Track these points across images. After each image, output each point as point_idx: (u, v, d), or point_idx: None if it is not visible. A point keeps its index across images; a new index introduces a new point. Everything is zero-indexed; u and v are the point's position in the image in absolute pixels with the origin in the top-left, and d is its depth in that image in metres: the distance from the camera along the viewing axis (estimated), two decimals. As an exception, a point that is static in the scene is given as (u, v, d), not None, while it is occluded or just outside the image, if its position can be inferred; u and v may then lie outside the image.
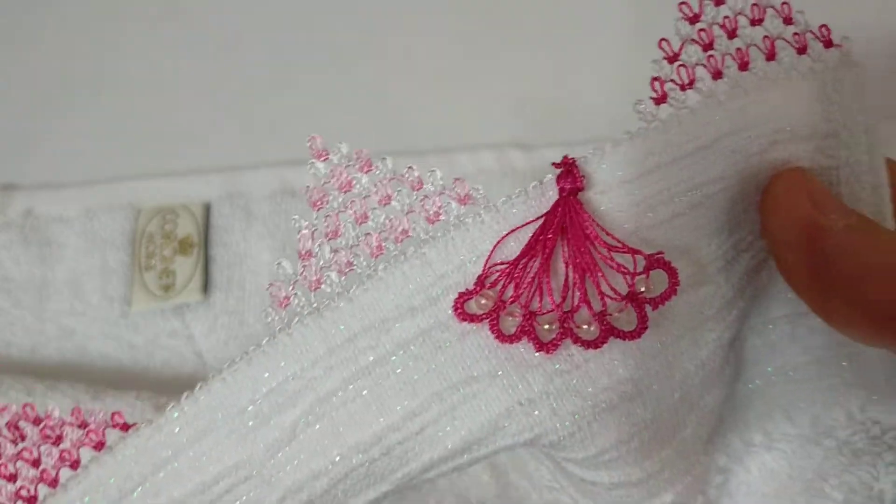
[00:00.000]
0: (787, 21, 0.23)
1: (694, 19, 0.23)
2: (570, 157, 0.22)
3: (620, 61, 0.43)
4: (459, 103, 0.43)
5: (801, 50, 0.23)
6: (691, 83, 0.22)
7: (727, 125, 0.22)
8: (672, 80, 0.22)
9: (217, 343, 0.39)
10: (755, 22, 0.23)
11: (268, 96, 0.44)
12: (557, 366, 0.21)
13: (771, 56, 0.23)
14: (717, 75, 0.22)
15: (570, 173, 0.21)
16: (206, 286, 0.40)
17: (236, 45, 0.44)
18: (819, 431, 0.23)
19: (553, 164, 0.22)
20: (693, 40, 0.22)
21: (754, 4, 0.23)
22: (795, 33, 0.23)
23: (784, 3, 0.23)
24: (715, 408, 0.23)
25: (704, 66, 0.23)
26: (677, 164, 0.21)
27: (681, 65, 0.22)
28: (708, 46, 0.23)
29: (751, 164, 0.22)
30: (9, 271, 0.40)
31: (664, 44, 0.22)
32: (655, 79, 0.22)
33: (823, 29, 0.23)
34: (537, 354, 0.21)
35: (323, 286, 0.22)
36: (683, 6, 0.23)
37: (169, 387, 0.38)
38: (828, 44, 0.23)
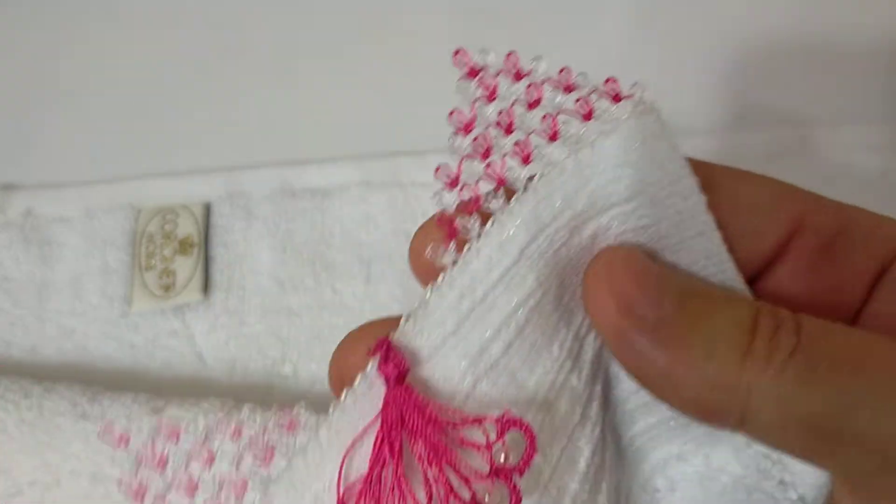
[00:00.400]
0: (568, 89, 0.21)
1: (468, 128, 0.21)
2: (383, 338, 0.20)
3: (620, 60, 0.43)
4: (459, 103, 0.43)
5: (587, 116, 0.21)
6: (477, 204, 0.20)
7: (523, 236, 0.20)
8: (458, 209, 0.20)
9: (217, 343, 0.39)
10: (532, 105, 0.21)
11: (268, 96, 0.44)
12: None
13: (553, 136, 0.21)
14: (501, 182, 0.20)
15: (388, 358, 0.20)
16: (206, 286, 0.40)
17: (236, 45, 0.44)
18: (713, 468, 0.23)
19: (368, 352, 0.20)
20: (469, 155, 0.20)
21: (529, 85, 0.21)
22: (577, 99, 0.21)
23: (563, 70, 0.21)
24: (613, 490, 0.22)
25: (487, 176, 0.21)
26: (490, 296, 0.20)
27: (463, 186, 0.20)
28: (486, 154, 0.20)
29: (560, 258, 0.21)
30: (9, 271, 0.40)
31: (439, 171, 0.20)
32: (440, 219, 0.20)
33: (609, 84, 0.21)
34: None
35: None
36: (455, 115, 0.20)
37: (169, 386, 0.38)
38: (616, 98, 0.20)
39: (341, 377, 0.22)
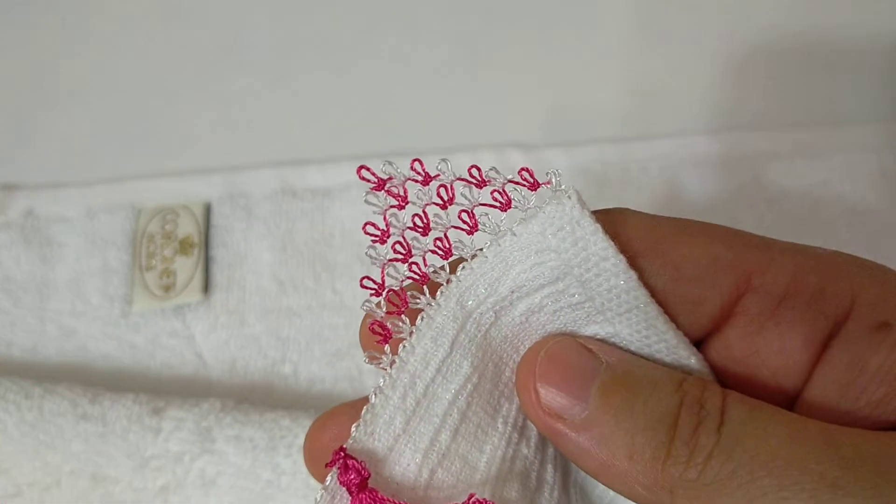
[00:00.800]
0: (481, 185, 0.21)
1: (382, 237, 0.22)
2: (338, 448, 0.20)
3: (621, 61, 0.43)
4: (459, 103, 0.44)
5: (505, 206, 0.21)
6: (405, 304, 0.21)
7: (452, 326, 0.21)
8: (389, 312, 0.21)
9: (217, 343, 0.39)
10: (445, 205, 0.22)
11: (268, 97, 0.44)
12: None
13: (473, 229, 0.21)
14: (425, 280, 0.22)
15: (347, 467, 0.20)
16: (206, 286, 0.40)
17: (237, 45, 0.44)
18: None
19: (326, 465, 0.20)
20: (391, 259, 0.21)
21: (440, 186, 0.22)
22: (493, 191, 0.21)
23: (472, 167, 0.21)
24: None
25: (411, 276, 0.22)
26: (430, 389, 0.21)
27: (389, 291, 0.21)
28: (407, 255, 0.22)
29: (492, 338, 0.22)
30: (9, 271, 0.40)
31: (365, 281, 0.21)
32: (372, 325, 0.21)
33: (524, 173, 0.21)
34: None
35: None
36: (368, 227, 0.21)
37: (169, 386, 0.38)
38: (533, 186, 0.21)
39: (313, 459, 0.23)
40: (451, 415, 0.21)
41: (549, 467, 0.22)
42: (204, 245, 0.40)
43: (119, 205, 0.42)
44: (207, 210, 0.41)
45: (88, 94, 0.45)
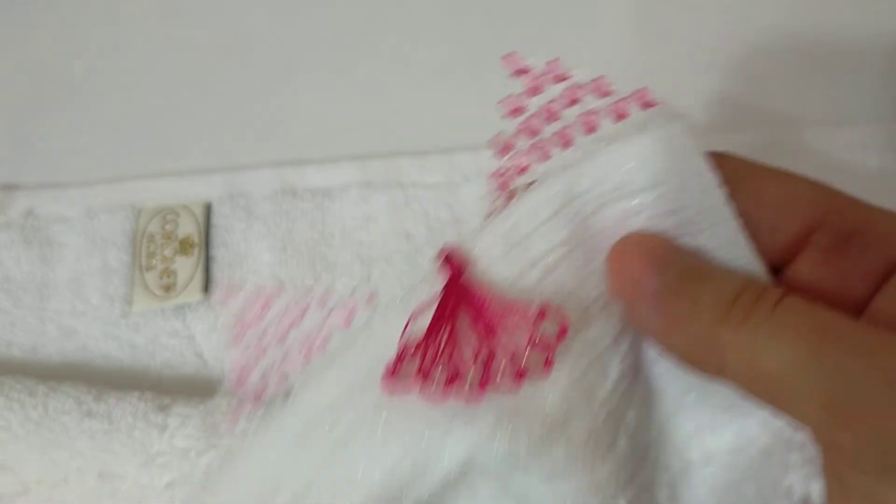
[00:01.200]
0: (604, 94, 0.25)
1: (515, 112, 0.25)
2: (447, 247, 0.25)
3: (620, 61, 0.43)
4: (461, 103, 0.44)
5: (621, 116, 0.25)
6: (525, 168, 0.25)
7: (559, 200, 0.25)
8: (508, 169, 0.25)
9: (218, 343, 0.39)
10: (573, 102, 0.25)
11: (269, 96, 0.44)
12: (488, 414, 0.23)
13: (591, 129, 0.25)
14: (544, 159, 0.25)
15: (451, 257, 0.25)
16: (206, 286, 0.40)
17: (238, 44, 0.44)
18: (743, 439, 0.25)
19: (436, 258, 0.25)
20: (519, 131, 0.25)
21: (569, 87, 0.25)
22: (613, 102, 0.25)
23: (597, 80, 0.25)
24: (640, 424, 0.25)
25: (534, 151, 0.25)
26: (530, 237, 0.24)
27: (514, 154, 0.25)
28: (534, 133, 0.25)
29: (590, 227, 0.25)
30: (9, 271, 0.40)
31: (495, 139, 0.25)
32: (493, 174, 0.25)
33: (641, 92, 0.25)
34: (466, 407, 0.23)
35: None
36: (505, 102, 0.25)
37: (170, 386, 0.38)
38: (646, 105, 0.24)
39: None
40: (538, 265, 0.24)
41: (626, 344, 0.25)
42: (204, 245, 0.40)
43: (119, 205, 0.42)
44: (208, 210, 0.41)
45: (89, 95, 0.45)
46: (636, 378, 0.25)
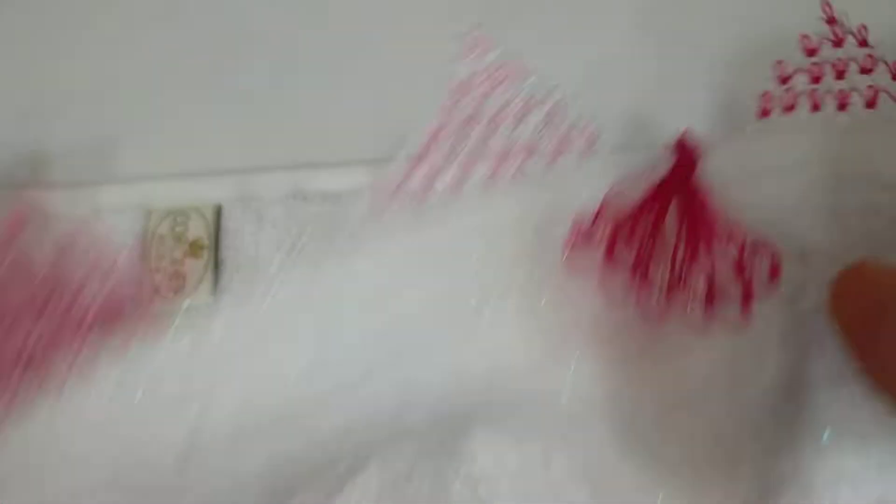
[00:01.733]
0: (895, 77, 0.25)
1: (811, 52, 0.26)
2: (686, 135, 0.23)
3: (622, 61, 0.43)
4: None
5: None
6: (792, 107, 0.25)
7: (807, 148, 0.24)
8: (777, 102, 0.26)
9: (226, 346, 0.38)
10: (865, 70, 0.25)
11: (280, 99, 0.44)
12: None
13: (871, 104, 0.25)
14: (814, 108, 0.25)
15: (686, 146, 0.23)
16: (216, 289, 0.39)
17: (249, 46, 0.44)
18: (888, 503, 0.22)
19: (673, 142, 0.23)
20: (805, 70, 0.26)
21: (869, 55, 0.25)
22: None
23: (861, 27, 0.26)
24: (776, 448, 0.22)
25: (807, 95, 0.26)
26: (773, 177, 0.24)
27: (788, 89, 0.26)
28: (816, 80, 0.26)
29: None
30: (16, 272, 0.40)
31: (778, 66, 0.26)
32: (765, 93, 0.26)
33: None
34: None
35: None
36: (805, 39, 0.26)
37: (176, 390, 0.38)
38: None
39: None
40: (769, 203, 0.24)
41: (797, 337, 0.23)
42: (214, 247, 0.40)
43: (128, 206, 0.41)
44: (218, 212, 0.41)
45: (98, 95, 0.44)
46: (787, 391, 0.23)
